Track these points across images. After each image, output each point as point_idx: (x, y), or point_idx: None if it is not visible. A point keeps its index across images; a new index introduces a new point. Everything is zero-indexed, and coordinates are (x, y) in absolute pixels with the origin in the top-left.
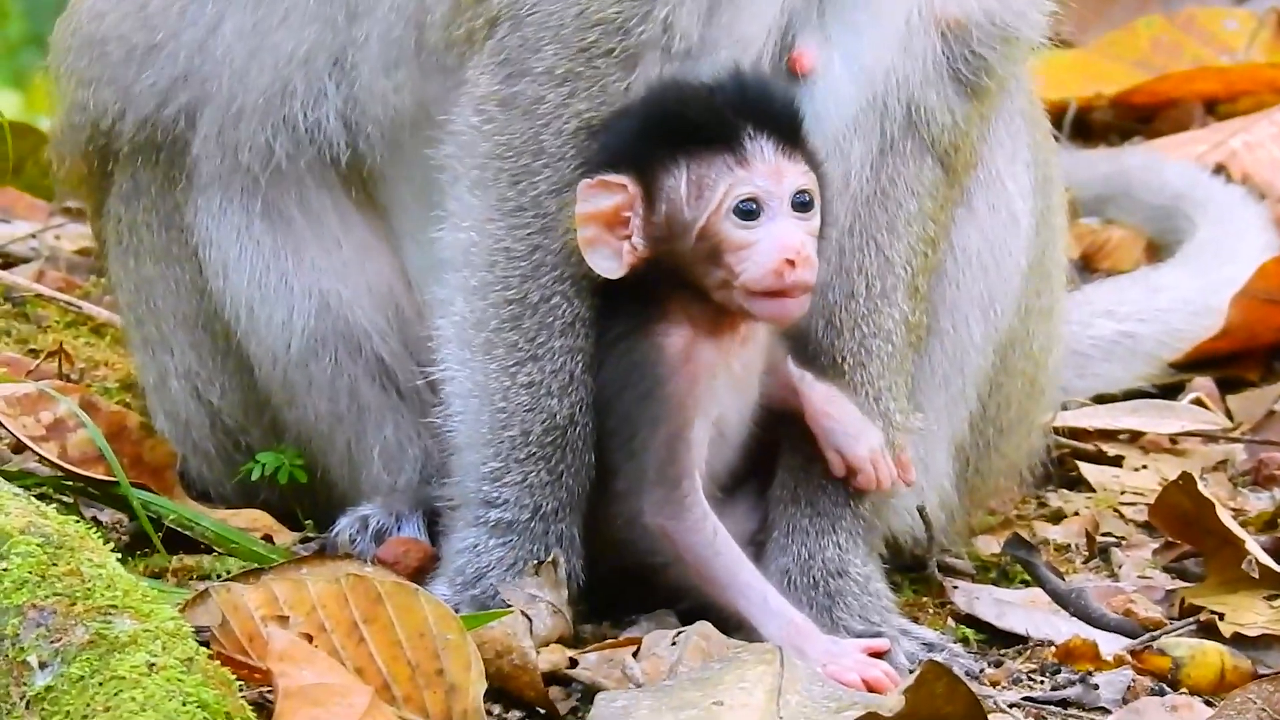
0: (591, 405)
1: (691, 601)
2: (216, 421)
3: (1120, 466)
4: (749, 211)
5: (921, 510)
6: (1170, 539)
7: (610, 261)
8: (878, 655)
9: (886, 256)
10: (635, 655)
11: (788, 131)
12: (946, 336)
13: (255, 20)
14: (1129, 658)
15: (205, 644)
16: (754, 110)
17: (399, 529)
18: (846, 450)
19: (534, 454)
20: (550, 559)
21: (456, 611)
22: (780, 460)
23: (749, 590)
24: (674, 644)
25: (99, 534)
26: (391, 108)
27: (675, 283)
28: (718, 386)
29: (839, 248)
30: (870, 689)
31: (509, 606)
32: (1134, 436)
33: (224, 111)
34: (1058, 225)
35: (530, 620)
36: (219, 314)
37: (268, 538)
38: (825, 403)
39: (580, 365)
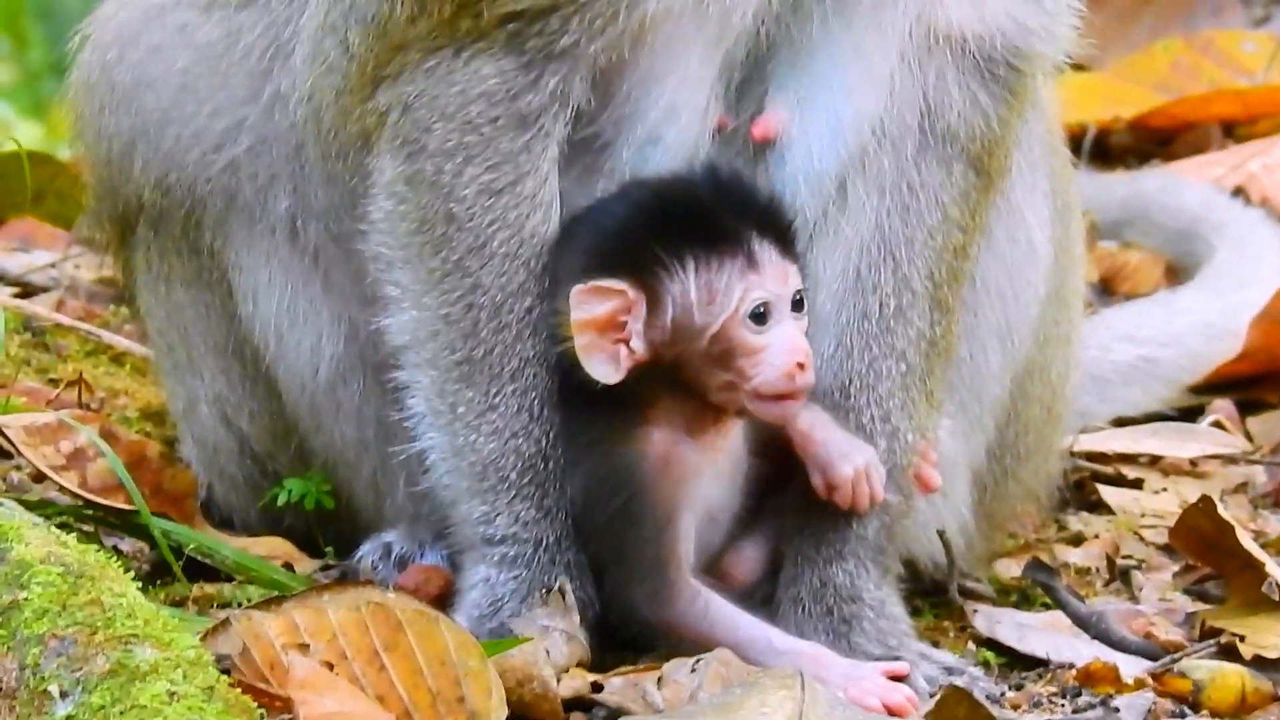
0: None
1: None
2: (245, 447)
3: (1140, 489)
4: (761, 315)
5: (941, 534)
6: (1190, 561)
7: (607, 367)
8: (897, 679)
9: (904, 274)
10: (658, 683)
11: (786, 233)
12: (965, 365)
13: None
14: (1150, 680)
15: (226, 672)
16: (755, 213)
17: (422, 556)
18: (829, 471)
19: (517, 494)
20: (557, 587)
21: None
22: (789, 490)
23: (752, 643)
24: (694, 671)
25: (119, 563)
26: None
27: (663, 383)
28: (703, 483)
29: (855, 269)
30: (891, 713)
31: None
32: (1154, 460)
33: (252, 146)
34: (1076, 253)
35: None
36: (248, 340)
37: (288, 565)
38: (810, 427)
39: (538, 403)
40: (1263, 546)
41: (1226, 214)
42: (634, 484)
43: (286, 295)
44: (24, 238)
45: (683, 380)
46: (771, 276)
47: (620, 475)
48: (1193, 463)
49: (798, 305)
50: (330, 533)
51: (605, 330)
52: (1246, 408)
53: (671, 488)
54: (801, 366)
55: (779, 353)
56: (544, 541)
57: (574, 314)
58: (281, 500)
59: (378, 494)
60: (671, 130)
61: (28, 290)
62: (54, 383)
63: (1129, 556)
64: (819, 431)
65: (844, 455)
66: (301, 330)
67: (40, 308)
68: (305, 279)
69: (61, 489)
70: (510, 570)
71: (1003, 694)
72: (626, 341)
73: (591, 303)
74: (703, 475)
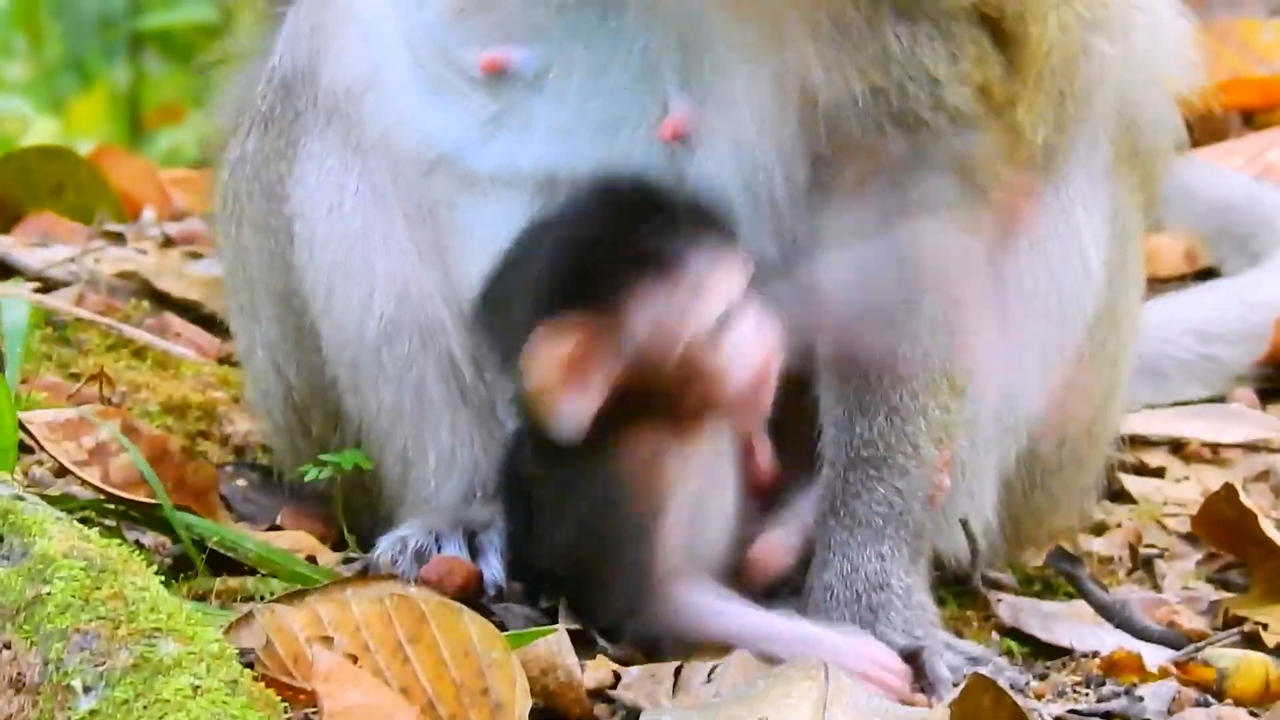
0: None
1: None
2: (289, 397)
3: (1162, 478)
4: (720, 326)
5: (964, 523)
6: (1213, 550)
7: (578, 407)
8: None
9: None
10: (675, 677)
11: (727, 233)
12: (1003, 374)
13: None
14: (1173, 669)
15: (250, 666)
16: (695, 224)
17: (439, 549)
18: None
19: None
20: None
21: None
22: (819, 475)
23: (752, 633)
24: (710, 679)
25: (142, 557)
26: None
27: (633, 405)
28: (690, 488)
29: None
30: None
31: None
32: (1176, 447)
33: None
34: (1132, 276)
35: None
36: (299, 290)
37: (311, 558)
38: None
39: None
40: None
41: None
42: (615, 514)
43: (343, 248)
44: (43, 232)
45: (651, 403)
46: (725, 286)
47: (601, 505)
48: (1214, 450)
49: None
50: (351, 506)
51: (569, 372)
52: (1267, 395)
53: (653, 495)
54: (764, 370)
55: (741, 365)
56: None
57: (535, 359)
58: (310, 477)
59: (405, 465)
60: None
61: (48, 285)
62: (75, 377)
63: (1152, 545)
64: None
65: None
66: (354, 285)
67: (61, 302)
68: (364, 233)
69: (84, 483)
70: None
71: (1027, 683)
72: (592, 379)
73: (551, 344)
74: (689, 479)
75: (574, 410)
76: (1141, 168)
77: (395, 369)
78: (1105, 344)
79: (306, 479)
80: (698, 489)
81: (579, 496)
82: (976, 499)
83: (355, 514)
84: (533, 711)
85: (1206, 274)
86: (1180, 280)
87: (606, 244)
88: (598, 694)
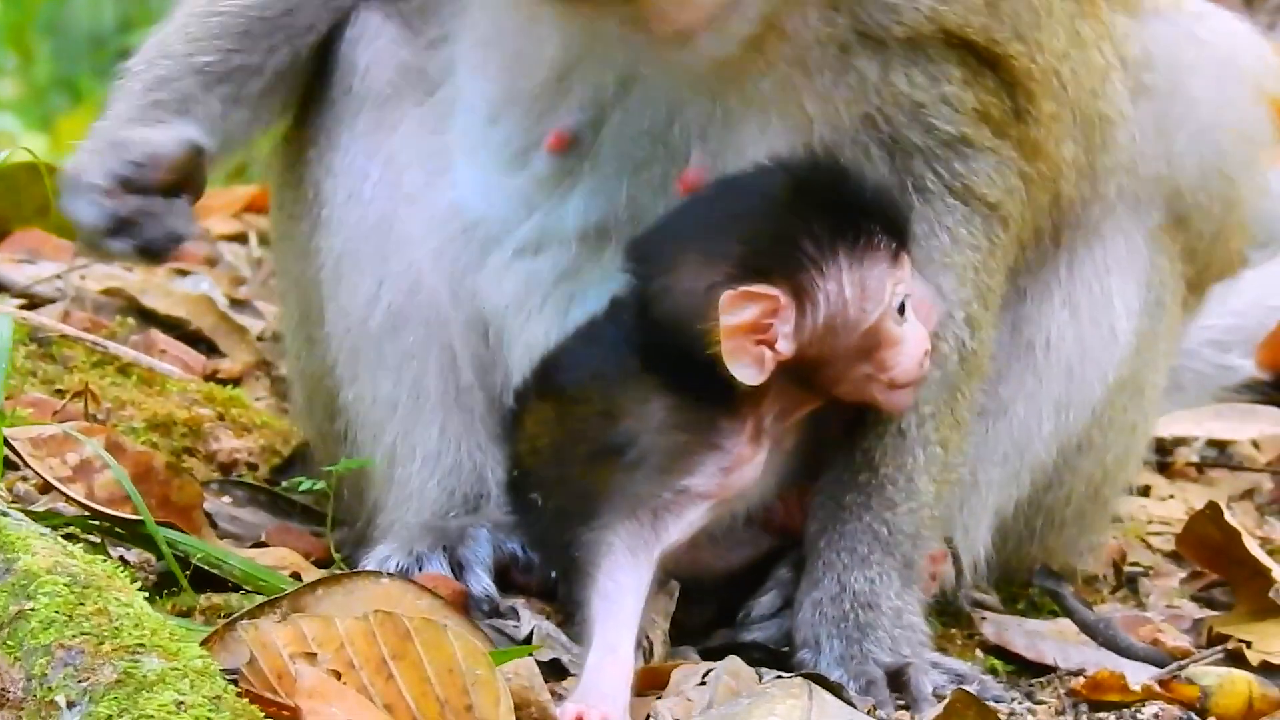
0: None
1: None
2: (302, 381)
3: (1147, 496)
4: (903, 308)
5: (950, 541)
6: (1198, 568)
7: (751, 370)
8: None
9: None
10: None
11: (902, 224)
12: (1015, 420)
13: None
14: (1157, 687)
15: (234, 682)
16: (878, 205)
17: (420, 568)
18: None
19: None
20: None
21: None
22: (813, 494)
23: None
24: (703, 683)
25: (126, 573)
26: None
27: (781, 379)
28: (749, 477)
29: None
30: None
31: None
32: (1162, 465)
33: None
34: (1162, 349)
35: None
36: (316, 275)
37: (296, 575)
38: None
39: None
40: (1270, 553)
41: None
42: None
43: (356, 235)
44: (30, 249)
45: (814, 376)
46: (907, 267)
47: (682, 460)
48: (1199, 469)
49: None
50: (338, 509)
51: (751, 333)
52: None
53: (734, 482)
54: (928, 354)
55: (914, 342)
56: None
57: (723, 319)
58: (304, 488)
59: (390, 464)
60: None
61: (34, 301)
62: (60, 394)
63: (1136, 563)
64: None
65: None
66: (363, 273)
67: (46, 319)
68: (379, 222)
69: (68, 500)
70: None
71: (1013, 700)
72: (772, 344)
73: (741, 308)
74: (757, 476)
75: (750, 374)
76: (1187, 237)
77: (396, 360)
78: (1125, 410)
79: (300, 489)
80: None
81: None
82: (970, 535)
83: (338, 523)
84: None
85: None
86: None
87: (810, 211)
88: None
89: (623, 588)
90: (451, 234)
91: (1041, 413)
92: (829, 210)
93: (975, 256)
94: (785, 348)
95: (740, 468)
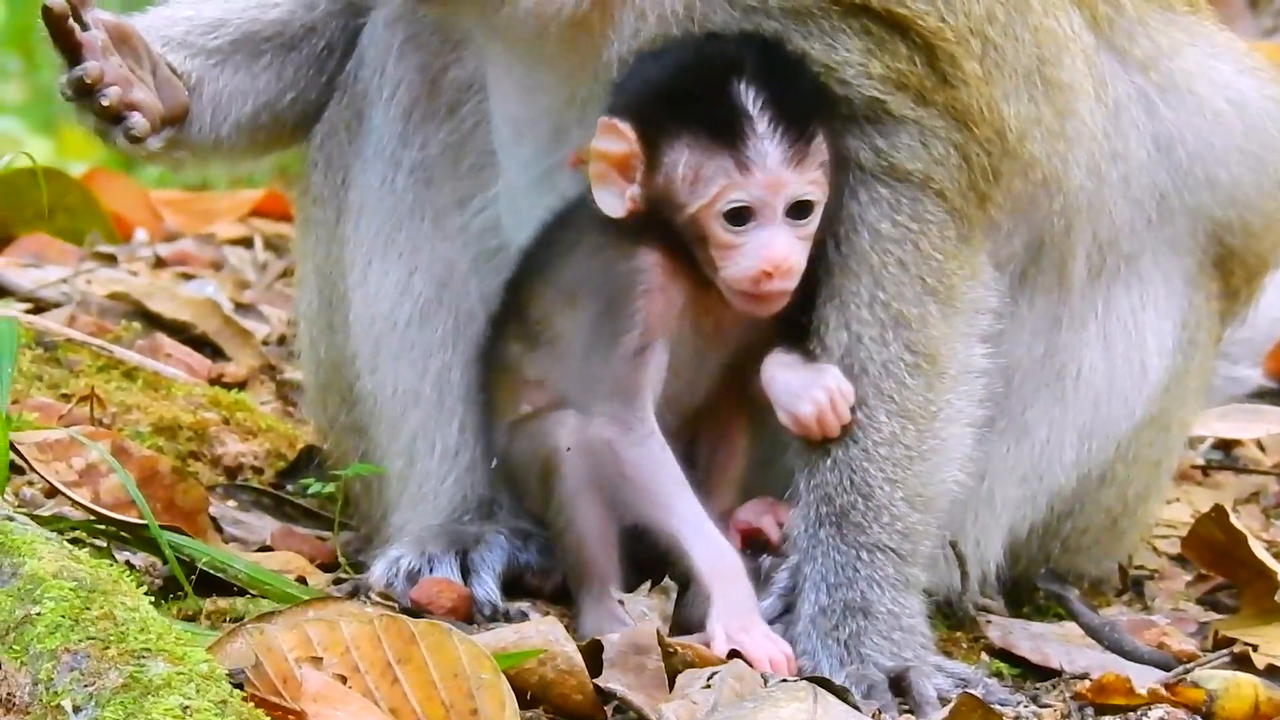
0: None
1: (627, 523)
2: (318, 369)
3: None
4: (739, 216)
5: (954, 544)
6: (1203, 571)
7: (612, 201)
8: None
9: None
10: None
11: (798, 136)
12: (1038, 443)
13: None
14: (1163, 690)
15: (239, 686)
16: (769, 108)
17: (431, 570)
18: (790, 409)
19: None
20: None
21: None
22: (804, 497)
23: (685, 513)
24: (708, 685)
25: (132, 577)
26: None
27: (671, 240)
28: (686, 326)
29: None
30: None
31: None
32: None
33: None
34: (1192, 386)
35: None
36: (339, 261)
37: (301, 579)
38: (776, 366)
39: None
40: (1275, 556)
41: None
42: (628, 289)
43: (388, 223)
44: (36, 253)
45: (681, 246)
46: (760, 183)
47: (615, 279)
48: (1205, 471)
49: (799, 211)
50: (347, 507)
51: (617, 167)
52: None
53: (662, 307)
54: (769, 274)
55: (749, 254)
56: None
57: (595, 140)
58: (312, 491)
59: (408, 460)
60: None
61: (39, 305)
62: (66, 398)
63: (1141, 567)
64: (783, 369)
65: (804, 391)
66: (394, 261)
67: (52, 323)
68: (414, 210)
69: (74, 504)
70: None
71: (1018, 703)
72: (632, 184)
73: (608, 138)
74: (688, 318)
75: (610, 204)
76: (1225, 276)
77: (422, 351)
78: (1151, 446)
79: (309, 492)
80: (690, 339)
81: (591, 273)
82: (982, 548)
83: (344, 527)
84: (528, 705)
85: None
86: None
87: (691, 86)
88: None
89: (648, 459)
90: (481, 231)
91: (1065, 440)
92: (705, 90)
93: (901, 251)
94: (636, 195)
95: (670, 289)
